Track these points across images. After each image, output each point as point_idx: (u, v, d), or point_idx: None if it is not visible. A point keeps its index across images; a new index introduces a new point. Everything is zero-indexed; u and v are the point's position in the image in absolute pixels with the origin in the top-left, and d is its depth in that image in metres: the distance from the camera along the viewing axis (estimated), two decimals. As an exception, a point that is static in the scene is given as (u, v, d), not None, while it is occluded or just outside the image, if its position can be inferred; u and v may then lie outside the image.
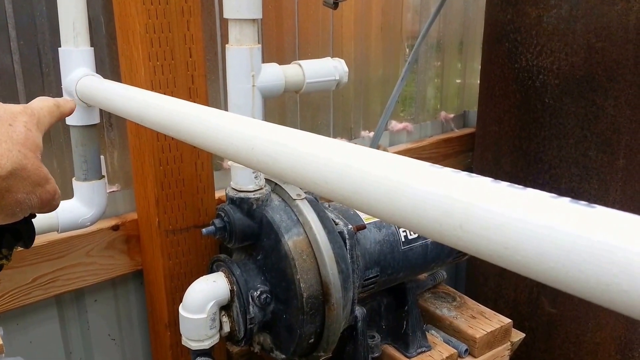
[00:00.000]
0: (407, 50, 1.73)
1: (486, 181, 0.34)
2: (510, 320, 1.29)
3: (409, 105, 1.78)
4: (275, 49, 1.43)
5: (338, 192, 0.42)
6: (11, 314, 1.17)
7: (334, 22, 1.52)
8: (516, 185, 0.33)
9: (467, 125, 1.94)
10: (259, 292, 0.99)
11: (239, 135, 0.52)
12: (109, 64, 1.20)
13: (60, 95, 1.14)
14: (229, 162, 1.22)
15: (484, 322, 1.29)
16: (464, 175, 0.36)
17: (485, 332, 1.24)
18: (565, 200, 0.31)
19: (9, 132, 0.48)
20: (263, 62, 0.98)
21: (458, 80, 1.91)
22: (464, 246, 0.34)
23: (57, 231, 1.06)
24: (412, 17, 1.72)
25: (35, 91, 1.14)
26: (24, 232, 0.55)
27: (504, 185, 0.33)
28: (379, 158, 0.40)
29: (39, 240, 1.14)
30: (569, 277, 0.30)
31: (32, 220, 0.56)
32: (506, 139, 1.52)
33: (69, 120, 1.04)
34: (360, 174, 0.40)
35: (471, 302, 1.37)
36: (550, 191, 0.31)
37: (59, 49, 1.01)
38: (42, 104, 0.58)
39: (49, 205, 0.54)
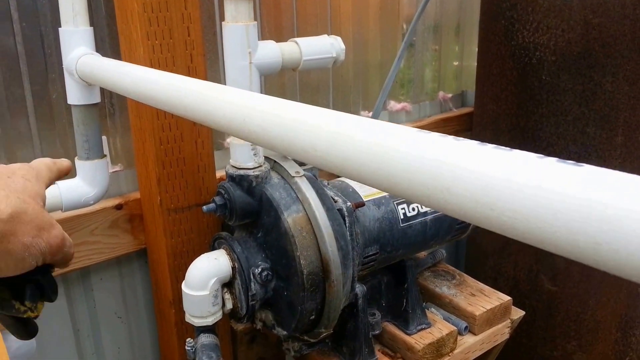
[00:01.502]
0: (405, 31, 1.71)
1: (472, 144, 0.33)
2: (509, 298, 1.28)
3: (407, 87, 1.76)
4: (274, 28, 1.41)
5: (327, 159, 0.41)
6: (18, 292, 1.17)
7: (331, 1, 1.50)
8: (502, 147, 0.32)
9: (466, 104, 1.92)
10: (260, 269, 0.99)
11: (232, 106, 0.51)
12: (109, 43, 1.19)
13: (62, 74, 1.13)
14: (228, 140, 1.21)
15: (484, 299, 1.28)
16: (450, 139, 0.35)
17: (485, 310, 1.23)
18: (552, 160, 0.29)
19: (7, 183, 0.52)
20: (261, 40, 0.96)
21: (455, 63, 1.89)
22: (451, 209, 0.33)
23: (61, 210, 1.06)
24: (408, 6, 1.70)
25: (38, 72, 1.13)
26: (45, 284, 0.56)
27: (490, 147, 0.32)
28: (367, 125, 0.39)
29: (43, 219, 1.14)
30: (557, 237, 0.28)
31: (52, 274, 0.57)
32: (504, 117, 1.50)
33: (70, 100, 1.03)
34: (348, 140, 0.39)
35: (471, 280, 1.36)
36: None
37: (59, 29, 1.00)
38: (41, 160, 0.63)
39: (62, 252, 0.55)
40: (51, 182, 0.62)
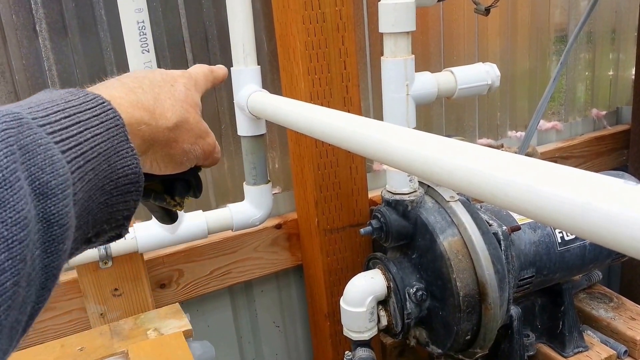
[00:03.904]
0: (553, 44, 1.64)
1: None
2: (674, 323, 1.19)
3: (557, 101, 1.69)
4: (421, 48, 1.43)
5: (520, 205, 0.42)
6: (193, 302, 1.29)
7: (478, 20, 1.49)
8: None
9: (621, 122, 1.80)
10: (414, 289, 1.01)
11: (412, 152, 0.54)
12: (270, 78, 1.27)
13: (230, 108, 1.23)
14: (385, 166, 1.25)
15: (645, 324, 1.21)
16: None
17: (646, 335, 1.16)
18: None
19: (171, 91, 0.52)
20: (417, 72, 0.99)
21: (610, 73, 1.77)
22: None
23: (232, 230, 1.16)
24: (559, 13, 1.63)
25: (209, 105, 1.24)
26: (193, 183, 0.60)
27: None
28: (568, 176, 0.39)
29: (216, 237, 1.24)
30: None
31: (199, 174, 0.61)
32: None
33: (240, 132, 1.12)
34: (547, 194, 0.40)
35: (629, 303, 1.28)
36: None
37: (231, 69, 1.08)
38: (199, 69, 0.62)
39: (211, 158, 0.57)
40: (207, 90, 0.63)
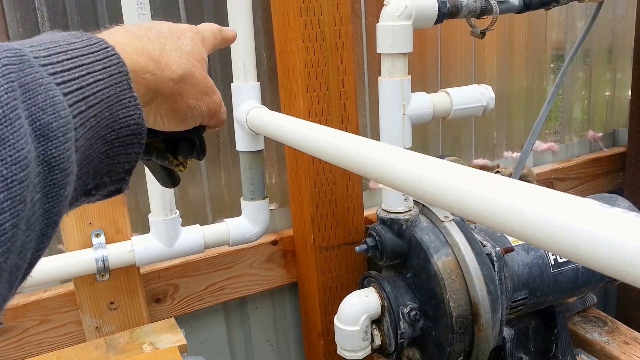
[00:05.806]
0: (550, 63, 1.68)
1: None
2: (668, 348, 1.21)
3: (554, 122, 1.72)
4: (418, 67, 1.46)
5: (507, 226, 0.45)
6: (187, 317, 1.31)
7: (475, 40, 1.53)
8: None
9: (617, 144, 1.84)
10: (408, 309, 1.03)
11: (407, 172, 0.57)
12: (268, 95, 1.30)
13: (230, 124, 1.26)
14: (381, 185, 1.27)
15: (639, 349, 1.22)
16: (633, 215, 0.38)
17: (640, 359, 1.18)
18: None
19: (177, 44, 0.51)
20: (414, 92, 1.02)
21: (607, 93, 1.80)
22: (635, 282, 0.36)
23: (229, 245, 1.18)
24: (556, 31, 1.67)
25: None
26: (197, 143, 0.59)
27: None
28: (550, 199, 0.42)
29: (212, 252, 1.27)
30: None
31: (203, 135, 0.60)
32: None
33: (239, 147, 1.14)
34: (530, 214, 0.43)
35: (624, 328, 1.31)
36: None
37: (232, 84, 1.12)
38: (207, 26, 0.60)
39: (216, 118, 0.57)
40: (214, 49, 0.61)
